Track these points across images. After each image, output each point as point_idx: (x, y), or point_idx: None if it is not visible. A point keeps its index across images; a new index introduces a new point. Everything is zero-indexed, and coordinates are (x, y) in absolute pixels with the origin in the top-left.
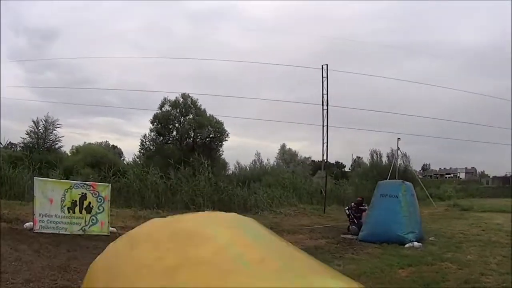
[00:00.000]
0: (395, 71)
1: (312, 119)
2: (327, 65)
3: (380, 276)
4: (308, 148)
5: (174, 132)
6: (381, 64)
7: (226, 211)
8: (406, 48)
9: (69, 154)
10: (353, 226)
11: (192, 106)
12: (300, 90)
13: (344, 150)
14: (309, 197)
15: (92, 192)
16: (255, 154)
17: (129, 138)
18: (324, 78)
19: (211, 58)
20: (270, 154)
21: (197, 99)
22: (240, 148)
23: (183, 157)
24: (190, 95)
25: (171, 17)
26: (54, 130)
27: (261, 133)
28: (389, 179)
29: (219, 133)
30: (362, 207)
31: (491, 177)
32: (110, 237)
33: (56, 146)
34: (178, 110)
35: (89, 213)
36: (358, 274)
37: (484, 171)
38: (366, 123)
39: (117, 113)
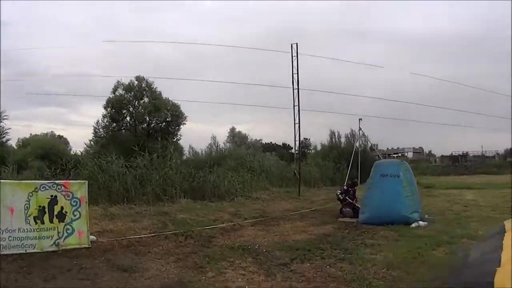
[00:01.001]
0: (347, 55)
1: (257, 101)
2: (296, 43)
3: (427, 260)
4: (255, 130)
5: (128, 118)
6: (332, 48)
7: (199, 199)
8: (357, 34)
9: (15, 148)
10: (348, 209)
11: (147, 89)
12: (243, 73)
13: (290, 133)
14: (278, 180)
15: (64, 193)
16: (211, 137)
17: (74, 128)
18: (294, 57)
19: (156, 41)
20: (218, 138)
21: (153, 81)
22: (186, 133)
23: (139, 143)
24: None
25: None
26: (1, 122)
27: (207, 116)
28: (352, 160)
29: (176, 117)
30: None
31: (437, 156)
32: (93, 249)
33: (4, 139)
34: (132, 94)
35: (63, 221)
36: (404, 261)
37: (431, 150)
38: (313, 105)
39: (61, 103)
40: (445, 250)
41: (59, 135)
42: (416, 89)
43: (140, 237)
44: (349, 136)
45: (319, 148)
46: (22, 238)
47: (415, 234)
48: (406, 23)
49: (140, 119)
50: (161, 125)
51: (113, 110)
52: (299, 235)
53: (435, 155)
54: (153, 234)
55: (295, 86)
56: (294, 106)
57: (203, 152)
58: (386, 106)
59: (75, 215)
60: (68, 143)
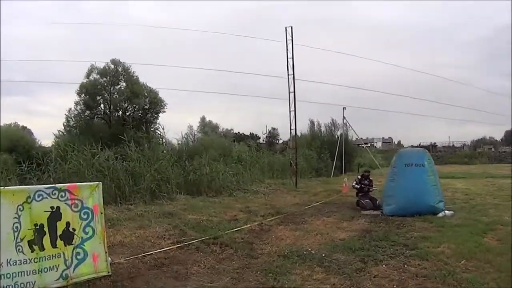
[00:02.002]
0: (309, 42)
1: (224, 89)
2: (291, 27)
3: (489, 248)
4: (223, 119)
5: (102, 105)
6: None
7: (196, 194)
8: (320, 22)
9: None
10: (367, 200)
11: (124, 73)
12: (209, 61)
13: (257, 123)
14: (268, 171)
15: (70, 202)
16: (188, 127)
17: (38, 117)
18: (288, 41)
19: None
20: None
21: (130, 65)
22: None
23: (116, 133)
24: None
25: None
26: None
27: (175, 105)
28: (338, 149)
29: (155, 104)
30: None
31: (406, 146)
32: (115, 277)
33: None
34: (108, 79)
35: (70, 243)
36: (471, 251)
37: (400, 141)
38: (274, 93)
39: (22, 91)
40: (494, 237)
41: (23, 126)
42: (384, 79)
43: (165, 250)
44: (330, 125)
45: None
46: (14, 275)
47: (450, 223)
48: (375, 12)
49: (116, 107)
50: (139, 113)
51: (87, 97)
52: (340, 233)
53: (403, 146)
54: (179, 245)
55: (290, 72)
56: (289, 92)
57: (179, 142)
58: (354, 95)
59: (86, 233)
60: (32, 134)
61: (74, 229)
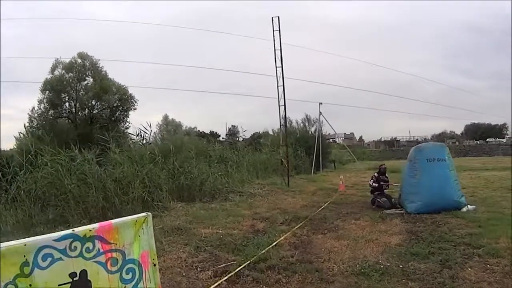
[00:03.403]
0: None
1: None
2: (278, 17)
3: None
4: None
5: (67, 104)
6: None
7: (189, 200)
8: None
9: None
10: (384, 199)
11: (91, 68)
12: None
13: (215, 120)
14: (253, 170)
15: (105, 258)
16: (157, 125)
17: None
18: (275, 32)
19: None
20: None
21: (98, 59)
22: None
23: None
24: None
25: None
26: None
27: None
28: (316, 146)
29: (125, 101)
30: (386, 177)
31: (367, 141)
32: None
33: None
34: (74, 74)
35: None
36: None
37: (362, 136)
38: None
39: None
40: None
41: None
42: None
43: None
44: (304, 121)
45: (271, 133)
46: None
47: (481, 218)
48: (334, 10)
49: (83, 105)
50: (108, 111)
51: (51, 94)
52: (388, 237)
53: (364, 141)
54: (225, 277)
55: (278, 64)
56: (278, 86)
57: (148, 142)
58: (315, 91)
59: None
60: None
61: None
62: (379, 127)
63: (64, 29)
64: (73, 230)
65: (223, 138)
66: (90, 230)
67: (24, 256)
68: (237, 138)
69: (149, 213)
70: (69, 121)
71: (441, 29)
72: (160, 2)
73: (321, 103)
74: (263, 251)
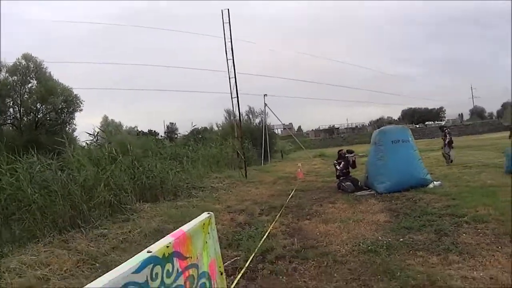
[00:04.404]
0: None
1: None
2: (228, 9)
3: None
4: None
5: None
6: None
7: (153, 200)
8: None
9: None
10: (348, 183)
11: (35, 69)
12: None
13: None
14: (208, 165)
15: (183, 278)
16: (100, 126)
17: None
18: (225, 24)
19: None
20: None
21: (43, 60)
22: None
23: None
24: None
25: None
26: None
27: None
28: (264, 136)
29: (71, 103)
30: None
31: (305, 131)
32: None
33: None
34: (18, 77)
35: None
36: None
37: (300, 126)
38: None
39: None
40: (505, 194)
41: None
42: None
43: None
44: (248, 113)
45: (215, 128)
46: None
47: (452, 191)
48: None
49: (28, 109)
50: (53, 114)
51: None
52: (374, 216)
53: (302, 130)
54: (241, 274)
55: (230, 57)
56: (229, 78)
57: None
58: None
59: None
60: None
61: None
62: (317, 116)
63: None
64: (149, 252)
65: (161, 136)
66: (167, 247)
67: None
68: (176, 135)
69: (211, 212)
70: (14, 127)
71: (377, 20)
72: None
73: (266, 94)
74: (261, 243)
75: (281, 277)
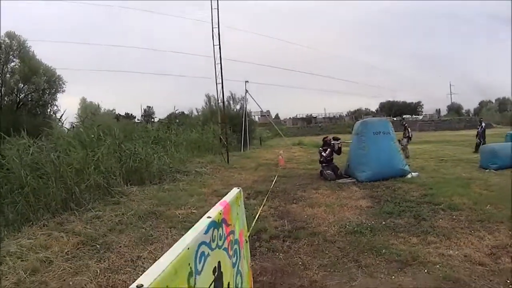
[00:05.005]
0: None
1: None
2: None
3: (498, 195)
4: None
5: None
6: None
7: (139, 184)
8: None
9: None
10: (329, 171)
11: (19, 48)
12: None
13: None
14: (190, 150)
15: (227, 243)
16: (79, 108)
17: None
18: (213, 10)
19: None
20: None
21: (26, 39)
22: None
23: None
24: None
25: None
26: None
27: None
28: (244, 123)
29: (53, 83)
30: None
31: (282, 119)
32: None
33: None
34: (1, 55)
35: None
36: (485, 200)
37: (278, 113)
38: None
39: None
40: (479, 187)
41: None
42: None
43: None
44: (229, 99)
45: (195, 113)
46: None
47: (429, 182)
48: None
49: (10, 89)
50: (36, 95)
51: None
52: (357, 202)
53: (280, 118)
54: None
55: (216, 42)
56: (215, 64)
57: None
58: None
59: (236, 285)
60: None
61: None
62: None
63: None
64: (208, 217)
65: (138, 120)
66: (220, 214)
67: (189, 264)
68: (152, 119)
69: (240, 188)
70: None
71: (358, 12)
72: None
73: (247, 81)
74: (253, 223)
75: (277, 254)
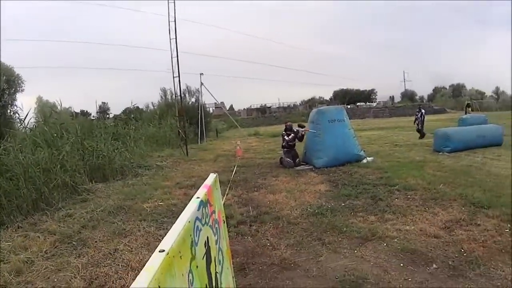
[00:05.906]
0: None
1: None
2: None
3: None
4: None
5: None
6: None
7: (104, 180)
8: None
9: None
10: (288, 159)
11: None
12: None
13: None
14: (149, 144)
15: (211, 220)
16: (35, 107)
17: None
18: (170, 3)
19: None
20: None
21: None
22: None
23: None
24: None
25: None
26: None
27: None
28: (201, 116)
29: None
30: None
31: (237, 110)
32: None
33: None
34: None
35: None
36: (436, 180)
37: (232, 105)
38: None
39: None
40: (432, 169)
41: None
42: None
43: None
44: (184, 92)
45: (151, 107)
46: None
47: (385, 166)
48: None
49: None
50: None
51: None
52: (316, 187)
53: (234, 109)
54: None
55: (172, 36)
56: (172, 57)
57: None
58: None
59: (220, 262)
60: None
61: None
62: (248, 95)
63: None
64: (197, 197)
65: (93, 116)
66: (205, 194)
67: (191, 235)
68: (108, 115)
69: (216, 173)
70: None
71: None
72: None
73: (202, 73)
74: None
75: (246, 237)
